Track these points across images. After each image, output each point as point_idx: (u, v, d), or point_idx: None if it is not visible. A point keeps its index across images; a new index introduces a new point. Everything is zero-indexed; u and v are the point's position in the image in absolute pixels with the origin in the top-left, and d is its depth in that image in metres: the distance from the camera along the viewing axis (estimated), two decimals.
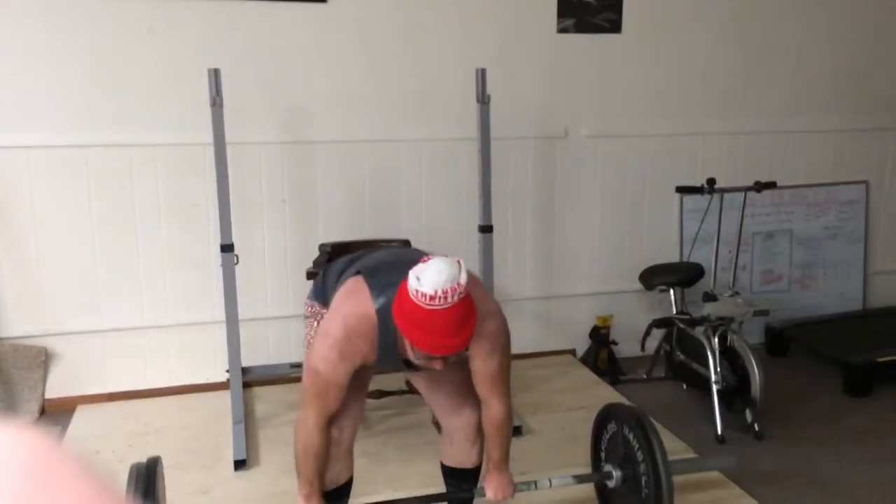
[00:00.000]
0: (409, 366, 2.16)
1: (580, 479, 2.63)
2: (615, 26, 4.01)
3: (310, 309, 2.35)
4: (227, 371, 3.39)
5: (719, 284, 3.69)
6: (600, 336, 4.11)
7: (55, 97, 3.44)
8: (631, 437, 2.43)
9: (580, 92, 4.04)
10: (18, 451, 0.27)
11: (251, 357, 3.60)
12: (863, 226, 4.57)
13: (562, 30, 3.94)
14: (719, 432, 3.30)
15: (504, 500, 2.37)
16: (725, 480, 2.95)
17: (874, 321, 4.46)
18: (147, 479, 2.17)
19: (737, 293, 3.64)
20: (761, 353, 3.87)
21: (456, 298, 1.86)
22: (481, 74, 3.32)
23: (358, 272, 2.14)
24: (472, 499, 2.49)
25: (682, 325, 3.65)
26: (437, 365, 1.98)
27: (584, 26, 3.96)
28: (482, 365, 2.14)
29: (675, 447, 3.22)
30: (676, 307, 3.74)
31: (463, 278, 1.88)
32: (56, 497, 0.26)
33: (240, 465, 3.06)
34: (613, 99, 4.09)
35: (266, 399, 3.68)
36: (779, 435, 3.35)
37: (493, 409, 2.23)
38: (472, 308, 1.92)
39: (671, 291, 3.75)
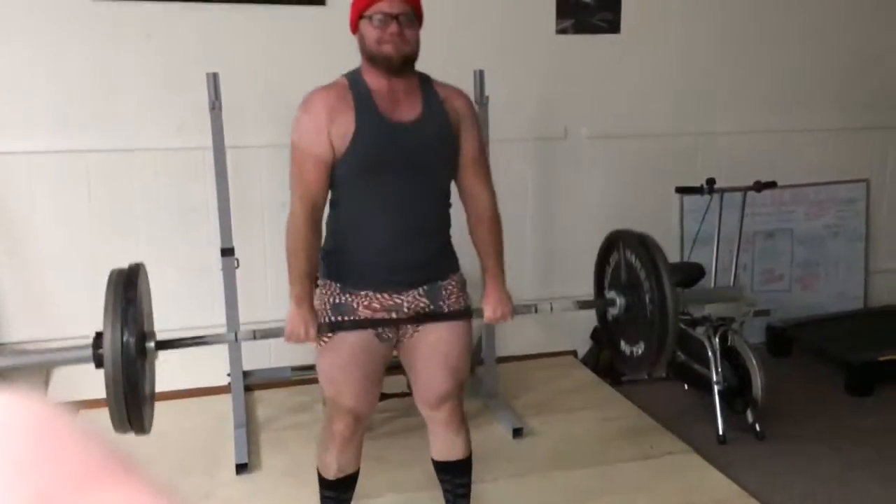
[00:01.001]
0: (393, 125, 2.07)
1: (582, 304, 2.52)
2: (614, 27, 4.01)
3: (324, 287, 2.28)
4: (229, 375, 3.39)
5: (720, 284, 3.69)
6: (601, 337, 4.10)
7: (55, 102, 3.45)
8: (633, 258, 2.29)
9: (579, 92, 4.04)
10: (21, 416, 0.27)
11: (252, 361, 3.60)
12: (863, 224, 4.57)
13: (560, 30, 3.94)
14: (721, 432, 3.30)
15: (503, 320, 2.28)
16: (727, 481, 2.95)
17: (875, 320, 4.46)
18: (128, 279, 2.05)
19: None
20: (762, 353, 3.87)
21: None
22: (480, 76, 3.32)
23: None
24: (468, 494, 2.48)
25: (682, 326, 3.65)
26: (394, 28, 2.03)
27: (582, 27, 3.96)
28: (467, 134, 2.17)
29: (676, 448, 3.22)
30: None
31: None
32: (60, 461, 0.26)
33: (241, 468, 3.07)
34: (613, 99, 4.09)
35: (267, 403, 3.68)
36: (780, 434, 3.35)
37: (481, 200, 2.23)
38: None
39: None
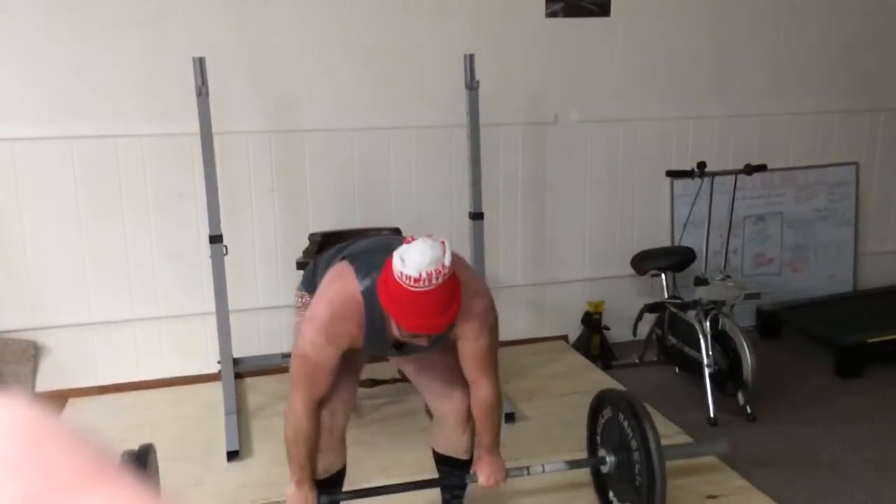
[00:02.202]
0: (398, 348, 2.16)
1: (573, 464, 2.64)
2: (604, 10, 3.99)
3: (300, 300, 2.34)
4: (219, 362, 3.37)
5: (710, 268, 3.69)
6: (592, 321, 4.11)
7: (39, 88, 3.40)
8: (625, 424, 2.43)
9: (569, 77, 4.02)
10: (9, 418, 0.27)
11: (242, 348, 3.59)
12: (853, 207, 4.58)
13: (550, 14, 3.91)
14: (712, 415, 3.31)
15: (496, 486, 2.37)
16: (718, 463, 2.96)
17: (865, 302, 4.48)
18: (138, 467, 2.14)
19: (728, 277, 3.64)
20: (753, 336, 3.88)
21: (440, 280, 1.87)
22: (470, 60, 3.29)
23: (344, 258, 2.14)
24: (464, 485, 2.49)
25: (673, 310, 3.65)
26: (424, 341, 2.01)
27: (572, 10, 3.93)
28: (470, 345, 2.14)
29: (667, 431, 3.22)
30: (668, 291, 3.74)
31: (447, 260, 1.88)
32: (48, 462, 0.26)
33: (233, 455, 3.06)
34: (603, 83, 4.07)
35: (258, 390, 3.67)
36: (771, 417, 3.36)
37: (481, 390, 2.23)
38: (456, 287, 1.93)
39: (663, 276, 3.75)
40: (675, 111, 4.19)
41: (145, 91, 3.49)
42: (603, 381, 3.74)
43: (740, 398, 3.34)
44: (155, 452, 2.32)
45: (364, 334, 2.07)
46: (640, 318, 3.81)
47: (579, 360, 4.01)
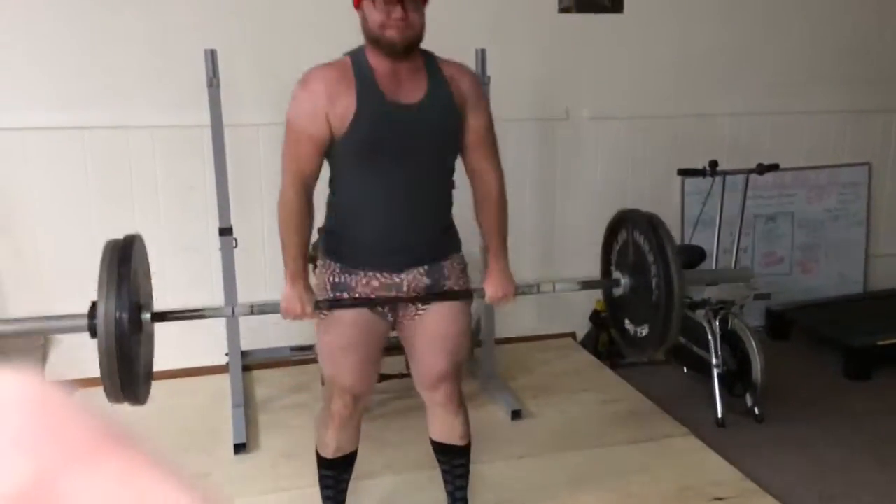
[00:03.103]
0: (395, 106, 2.03)
1: (585, 284, 2.52)
2: (617, 6, 3.97)
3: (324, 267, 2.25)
4: (227, 354, 3.38)
5: (721, 267, 3.67)
6: (600, 319, 4.10)
7: (51, 78, 3.41)
8: (641, 239, 2.27)
9: (581, 72, 4.00)
10: (18, 391, 0.27)
11: (251, 340, 3.59)
12: (865, 208, 4.55)
13: (563, 9, 3.90)
14: (720, 416, 3.30)
15: (505, 300, 2.24)
16: (725, 465, 2.95)
17: (875, 304, 4.45)
18: (123, 249, 2.03)
19: None
20: (762, 336, 3.87)
21: None
22: (481, 55, 3.28)
23: None
24: (466, 475, 2.47)
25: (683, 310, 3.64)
26: (398, 13, 1.95)
27: (585, 5, 3.91)
28: (473, 113, 2.11)
29: (675, 431, 3.22)
30: None
31: None
32: (59, 435, 0.26)
33: (240, 448, 3.06)
34: (615, 80, 4.05)
35: (266, 382, 3.68)
36: (779, 418, 3.35)
37: (486, 176, 2.17)
38: None
39: None
40: (687, 109, 4.16)
41: (157, 82, 3.49)
42: (610, 379, 3.74)
43: (748, 399, 3.33)
44: (143, 243, 2.22)
45: (355, 92, 2.00)
46: None
47: (587, 357, 4.00)
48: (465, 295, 2.23)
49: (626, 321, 2.39)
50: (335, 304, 2.14)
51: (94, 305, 1.96)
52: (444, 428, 2.39)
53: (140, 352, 2.10)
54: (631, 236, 2.33)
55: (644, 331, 2.29)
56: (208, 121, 3.09)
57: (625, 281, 2.35)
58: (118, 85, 3.47)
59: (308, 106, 2.03)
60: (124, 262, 1.97)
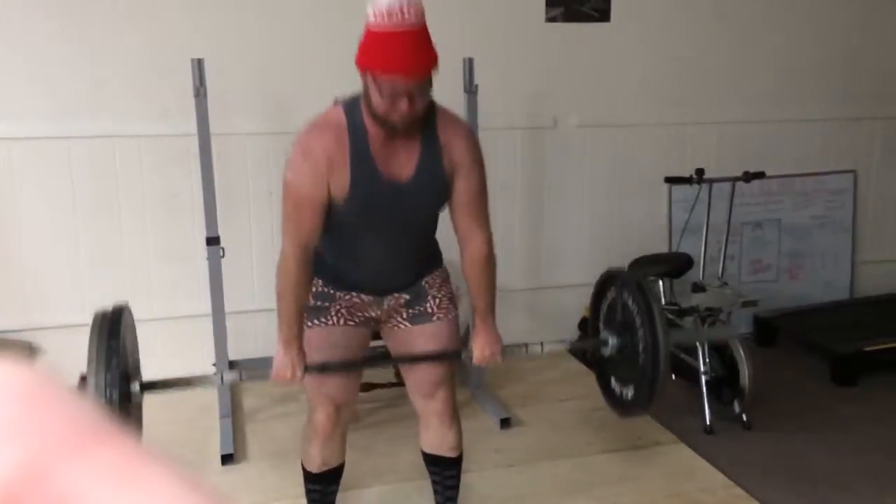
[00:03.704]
0: (394, 192, 2.01)
1: (575, 344, 2.55)
2: (604, 15, 3.99)
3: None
4: (214, 364, 3.36)
5: (708, 275, 3.69)
6: (590, 327, 4.10)
7: (37, 88, 3.40)
8: (630, 301, 2.29)
9: (569, 81, 4.02)
10: (8, 380, 0.27)
11: (238, 350, 3.57)
12: (851, 215, 4.58)
13: (550, 18, 3.91)
14: (708, 422, 3.31)
15: (492, 360, 2.24)
16: (713, 471, 2.95)
17: (861, 310, 4.48)
18: (112, 323, 2.03)
19: (725, 284, 3.64)
20: (749, 343, 3.88)
21: (412, 16, 1.83)
22: (469, 64, 3.29)
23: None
24: (457, 486, 2.47)
25: (670, 316, 3.65)
26: (404, 106, 1.87)
27: (572, 15, 3.93)
28: (464, 179, 2.06)
29: (664, 438, 3.23)
30: (665, 298, 3.74)
31: (418, 3, 1.86)
32: (50, 423, 0.26)
33: (227, 459, 3.05)
34: (602, 89, 4.07)
35: (254, 393, 3.66)
36: (767, 425, 3.36)
37: (475, 241, 2.14)
38: (430, 39, 1.91)
39: (660, 282, 3.74)
40: (674, 117, 4.19)
41: (144, 91, 3.49)
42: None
43: (736, 406, 3.34)
44: (130, 313, 2.23)
45: (349, 161, 1.97)
46: None
47: (576, 366, 4.00)
48: (452, 355, 2.26)
49: (613, 379, 2.44)
50: (325, 367, 2.18)
51: (83, 379, 2.00)
52: (437, 440, 2.39)
53: (131, 421, 2.16)
54: (619, 296, 2.37)
55: (630, 392, 2.35)
56: (195, 130, 3.08)
57: (613, 341, 2.38)
58: (104, 94, 3.46)
59: (309, 174, 1.99)
60: (113, 335, 2.00)
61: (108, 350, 1.96)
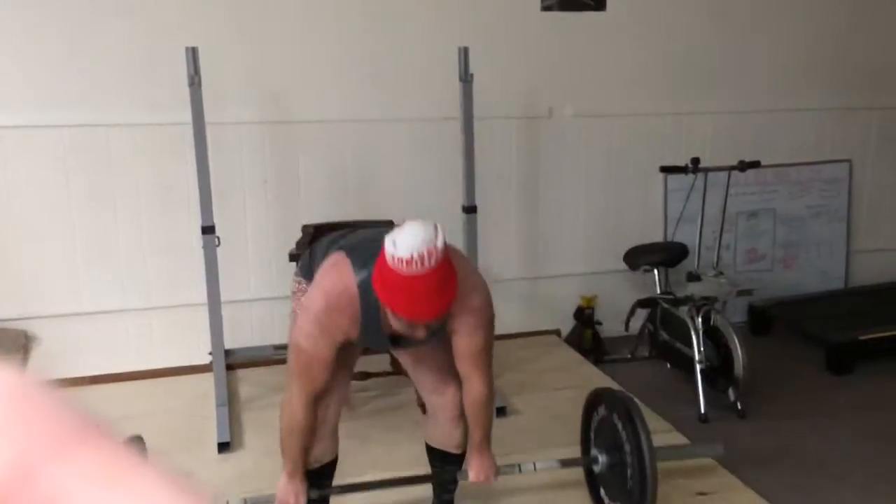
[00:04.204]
0: (393, 342, 2.15)
1: (565, 463, 2.63)
2: (599, 4, 3.98)
3: (298, 286, 2.31)
4: (210, 353, 3.36)
5: (703, 264, 3.70)
6: (585, 316, 4.11)
7: (31, 77, 3.38)
8: (619, 425, 2.42)
9: (564, 71, 4.01)
10: None
11: (234, 339, 3.58)
12: (846, 204, 4.59)
13: (546, 7, 3.90)
14: (702, 411, 3.32)
15: (487, 482, 2.36)
16: (708, 459, 2.96)
17: (856, 299, 4.49)
18: None
19: (720, 273, 3.65)
20: (744, 332, 3.89)
21: (433, 262, 1.83)
22: (464, 53, 3.28)
23: (341, 248, 2.12)
24: (455, 480, 2.49)
25: (665, 305, 3.66)
26: (420, 333, 1.95)
27: (568, 4, 3.92)
28: (465, 341, 2.11)
29: (658, 427, 3.23)
30: (660, 287, 3.75)
31: (440, 242, 1.85)
32: (37, 423, 0.27)
33: (224, 447, 3.05)
34: (598, 78, 4.07)
35: (249, 381, 3.66)
36: (761, 413, 3.37)
37: (473, 386, 2.20)
38: (451, 272, 1.90)
39: (655, 271, 3.76)
40: (670, 107, 4.19)
41: (138, 80, 3.47)
42: (594, 375, 3.75)
43: (731, 394, 3.35)
44: (143, 443, 2.30)
45: (359, 328, 2.05)
46: (632, 313, 3.81)
47: (571, 354, 4.01)
48: (445, 478, 2.45)
49: (602, 492, 2.58)
50: (326, 494, 2.33)
51: None
52: (445, 437, 2.43)
53: None
54: (610, 416, 2.49)
55: None
56: (190, 119, 3.08)
57: (602, 459, 2.52)
58: (99, 83, 3.44)
59: (320, 338, 2.05)
60: None
61: None
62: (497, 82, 3.80)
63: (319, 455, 2.34)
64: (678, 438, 3.14)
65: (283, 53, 3.65)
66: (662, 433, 3.19)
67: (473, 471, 2.33)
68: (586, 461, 2.60)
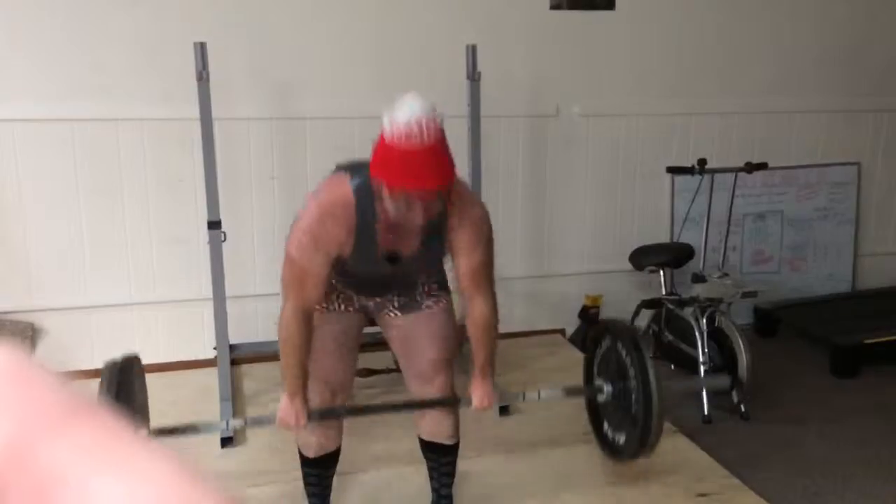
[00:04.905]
0: (391, 261, 2.08)
1: (569, 391, 2.61)
2: (609, 3, 3.97)
3: None
4: (215, 348, 3.38)
5: (709, 265, 3.69)
6: (590, 316, 4.11)
7: (40, 70, 3.39)
8: (623, 353, 2.37)
9: (572, 70, 4.00)
10: None
11: (239, 334, 3.58)
12: (854, 207, 4.57)
13: (555, 6, 3.90)
14: (706, 413, 3.31)
15: (488, 408, 2.33)
16: (710, 461, 2.96)
17: (863, 303, 4.47)
18: (120, 377, 2.08)
19: (726, 274, 3.64)
20: (749, 334, 3.88)
21: (430, 134, 1.82)
22: (472, 51, 3.28)
23: (338, 168, 2.14)
24: (452, 473, 2.48)
25: (670, 306, 3.65)
26: (418, 216, 1.90)
27: (577, 2, 3.91)
28: (466, 257, 2.10)
29: None
30: (666, 288, 3.74)
31: (436, 116, 1.87)
32: (32, 402, 0.27)
33: (226, 442, 3.06)
34: (605, 77, 4.06)
35: (253, 376, 3.67)
36: (765, 416, 3.36)
37: (477, 306, 2.18)
38: (448, 152, 1.91)
39: (661, 272, 3.75)
40: (678, 107, 4.18)
41: (147, 74, 3.48)
42: None
43: (734, 396, 3.35)
44: (140, 363, 2.29)
45: (354, 239, 2.01)
46: (636, 313, 3.81)
47: (575, 354, 4.00)
48: (450, 402, 2.36)
49: (606, 424, 2.55)
50: (327, 413, 2.27)
51: None
52: (434, 427, 2.41)
53: None
54: (615, 347, 2.47)
55: (621, 439, 2.44)
56: (197, 114, 3.08)
57: (607, 388, 2.49)
58: (108, 77, 3.45)
59: (314, 252, 2.04)
60: (123, 386, 2.06)
61: (117, 403, 2.01)
62: (504, 81, 3.80)
63: (325, 444, 2.35)
64: (681, 440, 3.14)
65: (292, 50, 3.65)
66: (665, 434, 3.18)
67: (476, 397, 2.28)
68: (591, 390, 2.54)
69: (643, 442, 2.32)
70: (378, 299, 2.27)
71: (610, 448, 2.53)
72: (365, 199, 1.97)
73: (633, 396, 2.33)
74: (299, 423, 2.17)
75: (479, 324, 2.20)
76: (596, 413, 2.60)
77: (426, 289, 2.27)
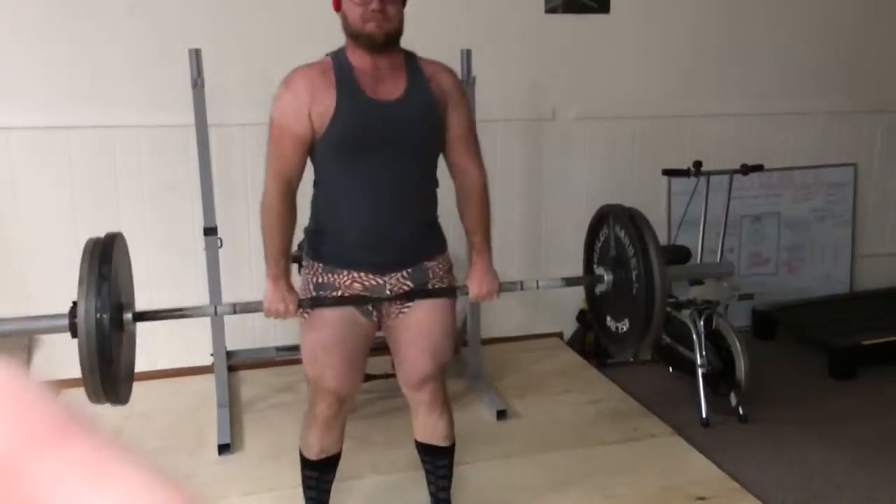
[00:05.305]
0: (374, 104, 2.04)
1: (569, 281, 2.51)
2: (604, 6, 3.97)
3: (306, 262, 2.26)
4: (212, 355, 3.37)
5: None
6: (587, 319, 4.11)
7: (36, 78, 3.39)
8: (622, 234, 2.28)
9: (568, 73, 4.01)
10: None
11: (236, 341, 3.58)
12: (851, 209, 4.57)
13: (550, 10, 3.90)
14: (704, 415, 3.31)
15: (489, 297, 2.24)
16: (708, 464, 2.96)
17: (861, 304, 4.47)
18: (104, 249, 2.03)
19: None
20: (747, 336, 3.88)
21: None
22: (467, 55, 3.29)
23: None
24: (449, 476, 2.47)
25: (668, 309, 3.65)
26: (375, 5, 1.98)
27: (572, 6, 3.92)
28: (455, 111, 2.14)
29: (660, 430, 3.23)
30: None
31: None
32: (21, 419, 0.26)
33: (224, 449, 3.06)
34: (601, 80, 4.06)
35: (251, 383, 3.67)
36: (763, 418, 3.36)
37: (470, 174, 2.19)
38: None
39: None
40: (674, 110, 4.18)
41: (142, 82, 3.48)
42: (597, 379, 3.75)
43: (733, 399, 3.34)
44: (124, 241, 2.20)
45: (335, 91, 2.02)
46: None
47: (573, 357, 4.01)
48: (448, 292, 2.21)
49: (608, 318, 2.40)
50: (318, 302, 2.14)
51: (74, 305, 1.95)
52: (428, 429, 2.39)
53: (121, 351, 2.08)
54: (612, 231, 2.35)
55: (625, 326, 2.30)
56: (193, 121, 3.08)
57: (608, 277, 2.35)
58: (103, 84, 3.45)
59: (291, 105, 2.05)
60: (105, 260, 1.96)
61: (100, 275, 1.92)
62: (500, 84, 3.80)
63: (327, 447, 2.34)
64: (679, 442, 3.14)
65: (288, 56, 3.63)
66: (664, 437, 3.18)
67: (475, 284, 2.20)
68: (591, 279, 2.44)
69: (647, 321, 2.17)
70: (389, 280, 2.13)
71: (615, 339, 2.38)
72: (340, 56, 2.08)
73: (634, 275, 2.20)
74: (288, 309, 2.09)
75: (475, 193, 2.19)
76: (598, 306, 2.47)
77: (434, 270, 2.17)
